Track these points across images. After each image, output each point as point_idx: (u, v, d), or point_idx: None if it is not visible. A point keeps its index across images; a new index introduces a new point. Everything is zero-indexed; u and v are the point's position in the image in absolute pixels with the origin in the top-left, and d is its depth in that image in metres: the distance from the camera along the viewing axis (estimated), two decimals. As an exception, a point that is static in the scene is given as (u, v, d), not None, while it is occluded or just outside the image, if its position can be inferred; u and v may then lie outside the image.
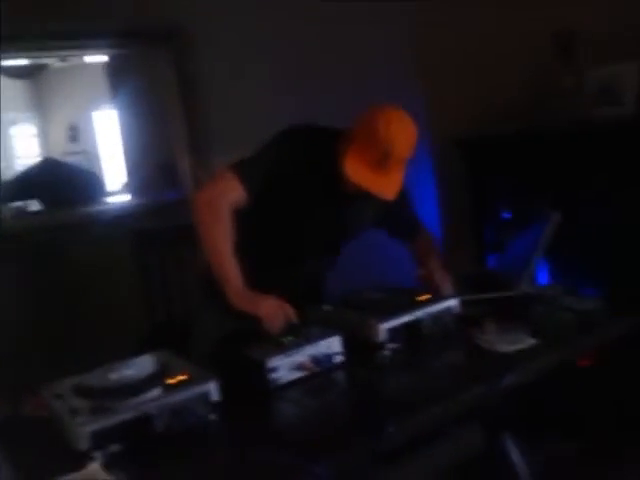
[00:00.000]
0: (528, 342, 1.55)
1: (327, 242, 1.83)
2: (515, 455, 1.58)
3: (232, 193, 1.63)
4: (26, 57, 2.88)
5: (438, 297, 1.73)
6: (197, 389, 1.31)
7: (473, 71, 3.04)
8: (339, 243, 1.88)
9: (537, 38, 2.78)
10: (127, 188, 3.38)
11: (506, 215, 2.26)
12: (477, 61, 3.02)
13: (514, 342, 1.55)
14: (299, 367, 1.49)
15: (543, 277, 2.21)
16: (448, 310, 1.70)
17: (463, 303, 1.73)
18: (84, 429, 1.19)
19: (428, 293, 1.74)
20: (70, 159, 4.03)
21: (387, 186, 1.64)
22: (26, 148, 3.82)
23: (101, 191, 3.20)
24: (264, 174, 1.67)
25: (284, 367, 1.47)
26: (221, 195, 1.63)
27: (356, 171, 1.61)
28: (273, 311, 1.54)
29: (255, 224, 1.68)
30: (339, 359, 1.54)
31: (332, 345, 1.54)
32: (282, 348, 1.49)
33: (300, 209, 1.73)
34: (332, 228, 1.79)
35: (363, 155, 1.61)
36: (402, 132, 1.62)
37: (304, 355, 1.50)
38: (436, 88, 3.12)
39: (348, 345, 1.56)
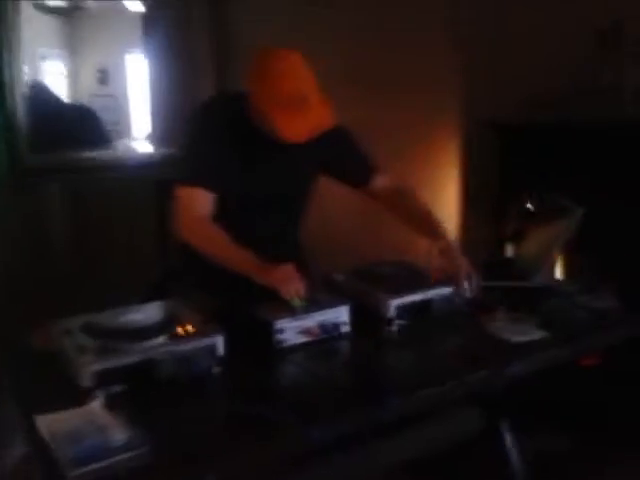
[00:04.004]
0: (537, 334, 1.54)
1: (275, 198, 1.81)
2: (510, 442, 1.59)
3: (196, 203, 1.65)
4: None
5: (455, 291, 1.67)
6: (204, 341, 1.33)
7: (513, 56, 2.97)
8: (288, 198, 1.85)
9: (581, 29, 2.72)
10: (151, 136, 3.37)
11: (530, 205, 2.24)
12: (518, 46, 2.95)
13: (523, 333, 1.54)
14: (305, 332, 1.50)
15: (562, 272, 2.19)
16: (464, 294, 1.68)
17: (480, 289, 1.72)
18: (89, 368, 1.21)
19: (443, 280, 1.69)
20: (98, 101, 4.02)
21: (323, 118, 1.61)
22: (55, 86, 3.80)
23: (103, 133, 3.15)
24: (209, 162, 1.68)
25: (291, 330, 1.48)
26: (189, 214, 1.65)
27: (291, 130, 1.57)
28: (286, 276, 1.54)
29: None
30: (346, 329, 1.55)
31: (340, 314, 1.55)
32: (290, 311, 1.50)
33: (238, 174, 1.73)
34: (274, 182, 1.78)
35: (284, 110, 1.57)
36: (293, 69, 1.61)
37: (312, 320, 1.51)
38: (473, 71, 3.06)
39: (356, 316, 1.56)
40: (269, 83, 1.61)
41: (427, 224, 1.81)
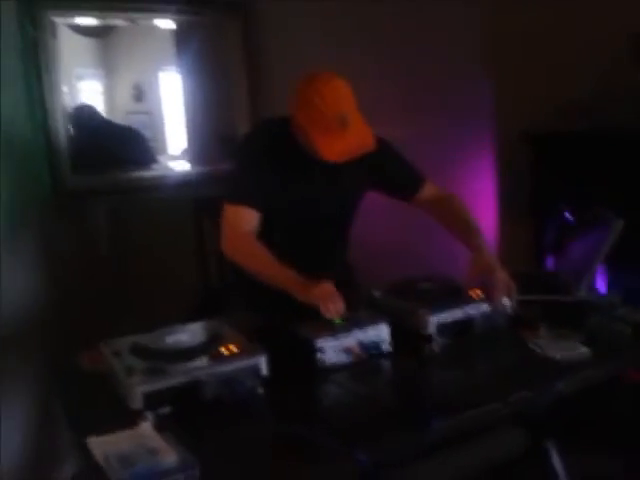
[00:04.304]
0: (581, 351, 1.53)
1: (321, 217, 1.83)
2: (557, 463, 1.56)
3: (242, 221, 1.69)
4: (97, 17, 2.93)
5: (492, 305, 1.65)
6: (248, 361, 1.34)
7: (544, 66, 2.95)
8: (335, 216, 1.87)
9: (613, 37, 2.68)
10: (186, 154, 3.42)
11: (568, 216, 2.21)
12: (549, 56, 2.93)
13: (567, 349, 1.52)
14: (346, 351, 1.50)
15: (601, 284, 2.16)
16: (502, 309, 1.67)
17: (517, 303, 1.71)
18: (138, 389, 1.24)
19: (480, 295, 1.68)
20: (134, 118, 4.09)
21: (362, 139, 1.65)
22: (92, 103, 3.88)
23: (148, 154, 3.20)
24: (256, 182, 1.72)
25: (332, 349, 1.49)
26: (234, 231, 1.69)
27: (330, 150, 1.62)
28: (325, 294, 1.55)
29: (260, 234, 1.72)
30: (386, 347, 1.55)
31: (381, 333, 1.55)
32: (331, 330, 1.51)
33: (284, 193, 1.76)
34: (320, 201, 1.81)
35: (325, 132, 1.61)
36: (336, 92, 1.64)
37: (352, 339, 1.51)
38: (505, 81, 3.04)
39: (395, 334, 1.56)
40: (310, 105, 1.65)
41: (467, 233, 1.81)
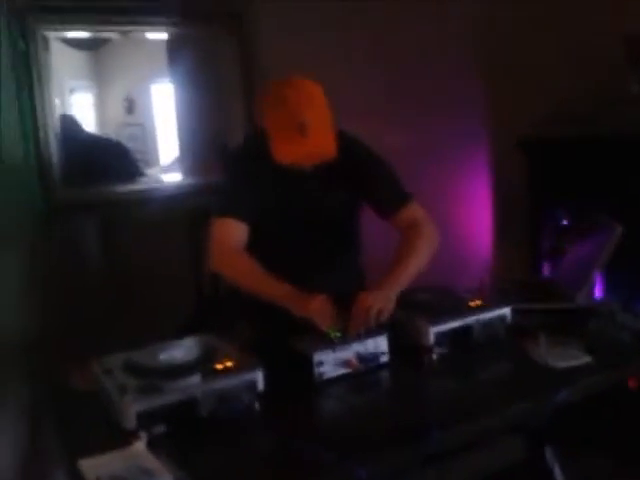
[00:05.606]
0: (582, 359, 1.50)
1: (310, 225, 1.79)
2: (556, 469, 1.54)
3: (229, 232, 1.68)
4: (89, 30, 2.92)
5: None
6: (244, 377, 1.32)
7: (538, 72, 2.94)
8: (324, 223, 1.81)
9: (608, 41, 2.68)
10: (179, 165, 3.39)
11: (565, 222, 2.20)
12: (543, 61, 2.93)
13: (567, 358, 1.50)
14: (345, 364, 1.48)
15: (599, 291, 2.14)
16: (500, 318, 1.65)
17: (516, 312, 1.69)
18: (132, 408, 1.21)
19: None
20: (126, 130, 4.08)
21: (321, 147, 1.62)
22: (84, 117, 3.88)
23: (134, 167, 3.18)
24: (241, 193, 1.72)
25: (330, 362, 1.47)
26: (222, 244, 1.68)
27: (287, 154, 1.61)
28: (321, 308, 1.53)
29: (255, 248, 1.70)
30: (385, 359, 1.53)
31: (379, 344, 1.53)
32: (329, 343, 1.49)
33: (277, 212, 1.75)
34: (304, 209, 1.77)
35: (285, 137, 1.61)
36: (299, 96, 1.62)
37: (351, 352, 1.49)
38: (499, 88, 3.04)
39: (394, 345, 1.54)
40: (272, 111, 1.65)
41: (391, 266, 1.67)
